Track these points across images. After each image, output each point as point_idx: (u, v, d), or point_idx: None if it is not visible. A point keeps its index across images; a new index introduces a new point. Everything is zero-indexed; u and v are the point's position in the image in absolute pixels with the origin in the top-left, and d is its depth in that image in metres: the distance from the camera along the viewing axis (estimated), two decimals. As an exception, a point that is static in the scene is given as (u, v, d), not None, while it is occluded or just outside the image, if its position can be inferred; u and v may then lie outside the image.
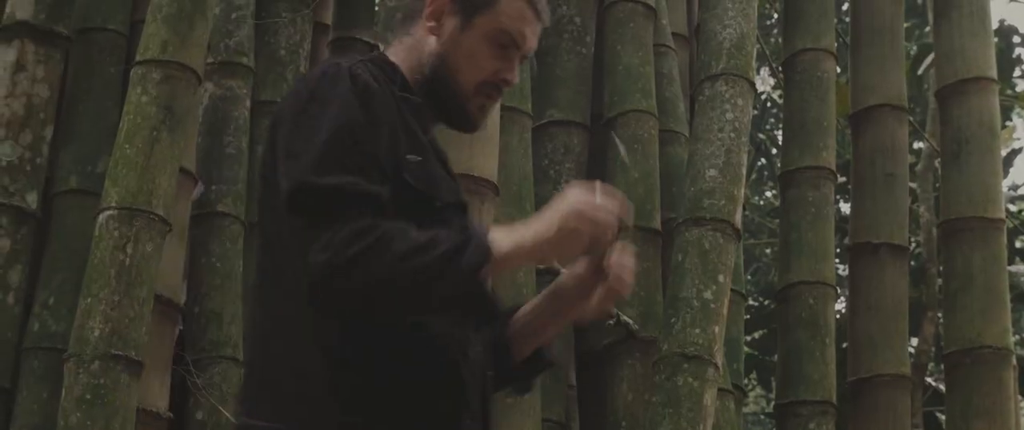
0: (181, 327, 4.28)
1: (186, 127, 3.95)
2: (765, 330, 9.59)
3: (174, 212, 3.89)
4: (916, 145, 9.20)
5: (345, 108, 2.03)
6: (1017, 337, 9.00)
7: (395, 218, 1.98)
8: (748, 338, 9.14)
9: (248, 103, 4.74)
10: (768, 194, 10.95)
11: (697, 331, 4.27)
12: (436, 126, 2.24)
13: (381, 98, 2.07)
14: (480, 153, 3.98)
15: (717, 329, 4.32)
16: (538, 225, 2.01)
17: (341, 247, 1.91)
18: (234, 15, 4.78)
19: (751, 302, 9.46)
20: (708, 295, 4.31)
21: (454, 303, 2.02)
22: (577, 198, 2.02)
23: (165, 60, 3.87)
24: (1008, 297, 5.03)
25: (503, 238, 1.99)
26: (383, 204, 1.98)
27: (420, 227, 1.97)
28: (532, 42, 2.24)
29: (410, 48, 2.23)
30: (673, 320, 4.32)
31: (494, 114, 4.07)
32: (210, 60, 4.58)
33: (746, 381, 7.70)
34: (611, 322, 4.71)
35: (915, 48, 10.15)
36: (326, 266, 1.92)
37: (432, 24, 2.20)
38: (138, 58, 3.92)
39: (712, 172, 4.60)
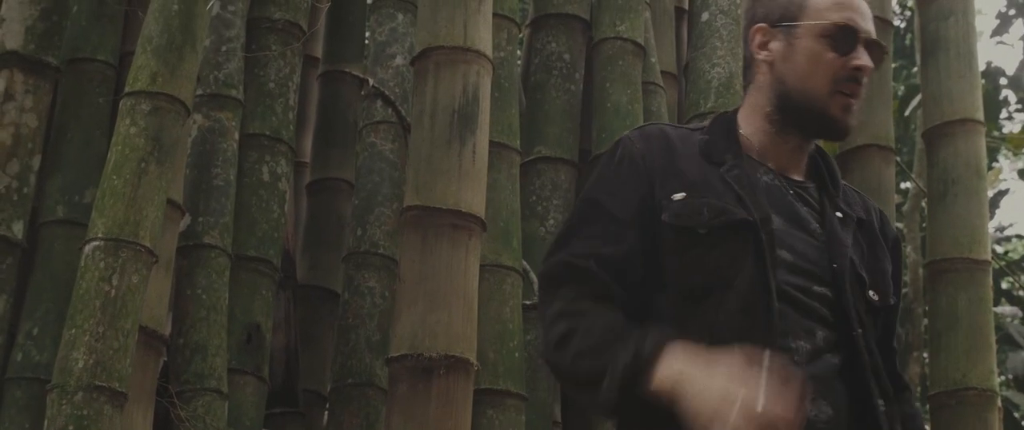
0: (165, 359, 4.26)
1: (174, 159, 3.95)
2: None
3: (160, 243, 3.88)
4: (903, 185, 9.23)
5: (595, 181, 2.28)
6: (1002, 378, 9.01)
7: (655, 255, 2.16)
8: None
9: (236, 135, 4.74)
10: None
11: (683, 369, 4.27)
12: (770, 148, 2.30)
13: (634, 158, 2.24)
14: (468, 189, 3.98)
15: (703, 367, 4.31)
16: (699, 385, 1.98)
17: (548, 329, 2.20)
18: (224, 48, 4.79)
19: (737, 340, 9.44)
20: (694, 333, 4.30)
21: (616, 398, 2.10)
22: (733, 405, 1.95)
23: (154, 92, 3.86)
24: (994, 338, 5.03)
25: (668, 367, 2.03)
26: (608, 261, 2.17)
27: (688, 258, 2.14)
28: (865, 21, 2.27)
29: (756, 89, 2.32)
30: (659, 358, 4.31)
31: (482, 150, 4.07)
32: (199, 92, 4.58)
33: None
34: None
35: (902, 89, 10.20)
36: (543, 344, 2.25)
37: (765, 54, 2.28)
38: (127, 89, 3.92)
39: (699, 210, 4.60)
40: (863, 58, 2.25)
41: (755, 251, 2.14)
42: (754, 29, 2.30)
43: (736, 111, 2.36)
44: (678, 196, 2.18)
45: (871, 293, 2.25)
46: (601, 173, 2.27)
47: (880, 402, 2.18)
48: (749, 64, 2.33)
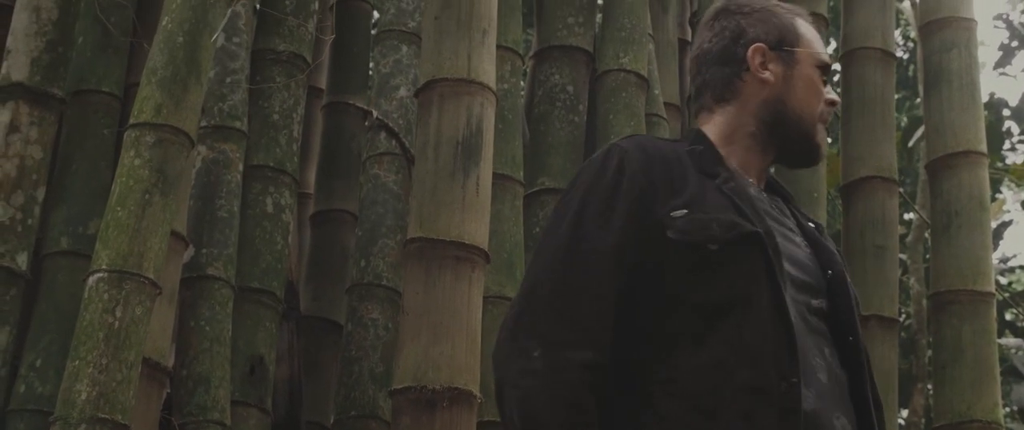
0: (169, 390, 4.26)
1: (178, 190, 3.95)
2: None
3: (164, 275, 3.88)
4: (906, 216, 9.23)
5: (585, 194, 2.18)
6: (1007, 410, 8.99)
7: (656, 274, 2.11)
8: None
9: (241, 167, 4.75)
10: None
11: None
12: (766, 165, 2.35)
13: (635, 172, 2.17)
14: (471, 220, 3.99)
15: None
16: None
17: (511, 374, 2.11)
18: (228, 79, 4.80)
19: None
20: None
21: None
22: None
23: (159, 123, 3.87)
24: (998, 370, 5.02)
25: None
26: (587, 309, 2.10)
27: (700, 275, 2.09)
28: None
29: (738, 107, 2.33)
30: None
31: (486, 181, 4.08)
32: (204, 123, 4.59)
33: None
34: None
35: (906, 120, 10.22)
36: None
37: (767, 74, 2.31)
38: (132, 121, 3.93)
39: (703, 242, 4.61)
40: (833, 94, 2.36)
41: (767, 266, 2.12)
42: (755, 48, 2.32)
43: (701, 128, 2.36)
44: (679, 212, 2.13)
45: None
46: (592, 185, 2.19)
47: (875, 412, 2.20)
48: (731, 82, 2.33)
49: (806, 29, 2.36)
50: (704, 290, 2.11)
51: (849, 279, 2.28)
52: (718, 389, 2.06)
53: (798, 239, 2.27)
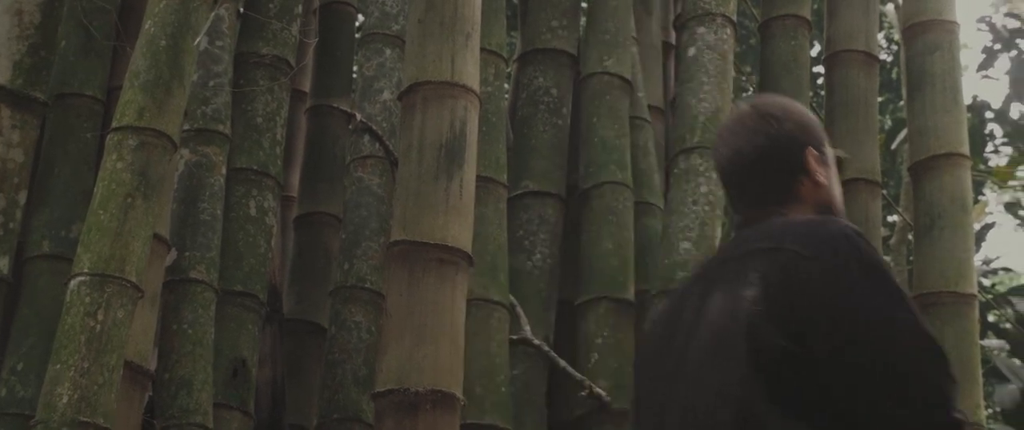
0: (151, 393, 4.25)
1: (160, 194, 3.95)
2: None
3: (146, 278, 3.87)
4: (890, 218, 9.25)
5: (883, 277, 2.19)
6: (990, 412, 9.01)
7: None
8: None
9: (224, 170, 4.74)
10: (743, 266, 10.95)
11: (670, 404, 4.26)
12: None
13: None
14: (455, 223, 3.99)
15: (690, 402, 4.31)
16: None
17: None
18: (211, 83, 4.79)
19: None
20: (681, 368, 4.30)
21: None
22: None
23: (141, 127, 3.86)
24: (980, 372, 5.04)
25: None
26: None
27: None
28: None
29: (799, 206, 2.43)
30: (646, 392, 4.30)
31: (469, 184, 4.08)
32: (186, 127, 4.58)
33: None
34: (583, 393, 4.70)
35: (889, 122, 10.25)
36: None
37: (821, 177, 2.44)
38: (114, 124, 3.92)
39: (686, 244, 4.62)
40: None
41: None
42: (812, 155, 2.42)
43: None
44: None
45: None
46: (877, 261, 2.24)
47: None
48: (791, 185, 2.41)
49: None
50: None
51: None
52: None
53: None
